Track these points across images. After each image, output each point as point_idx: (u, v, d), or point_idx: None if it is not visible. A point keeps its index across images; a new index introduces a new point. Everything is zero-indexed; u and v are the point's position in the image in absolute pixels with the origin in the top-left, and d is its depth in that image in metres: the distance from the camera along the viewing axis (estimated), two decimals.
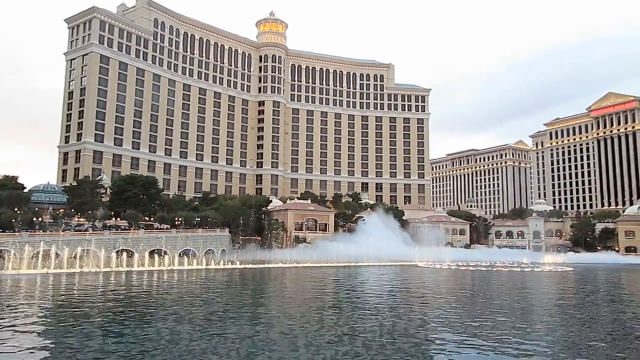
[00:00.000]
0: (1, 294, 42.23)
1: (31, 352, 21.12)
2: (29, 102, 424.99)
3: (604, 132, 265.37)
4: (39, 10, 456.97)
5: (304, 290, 52.43)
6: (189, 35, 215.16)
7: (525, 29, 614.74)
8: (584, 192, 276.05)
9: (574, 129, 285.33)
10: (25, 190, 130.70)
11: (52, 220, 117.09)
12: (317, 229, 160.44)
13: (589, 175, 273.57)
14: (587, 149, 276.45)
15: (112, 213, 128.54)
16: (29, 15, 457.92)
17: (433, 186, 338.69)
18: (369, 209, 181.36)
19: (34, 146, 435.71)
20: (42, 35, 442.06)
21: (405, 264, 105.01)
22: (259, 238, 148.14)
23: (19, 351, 21.18)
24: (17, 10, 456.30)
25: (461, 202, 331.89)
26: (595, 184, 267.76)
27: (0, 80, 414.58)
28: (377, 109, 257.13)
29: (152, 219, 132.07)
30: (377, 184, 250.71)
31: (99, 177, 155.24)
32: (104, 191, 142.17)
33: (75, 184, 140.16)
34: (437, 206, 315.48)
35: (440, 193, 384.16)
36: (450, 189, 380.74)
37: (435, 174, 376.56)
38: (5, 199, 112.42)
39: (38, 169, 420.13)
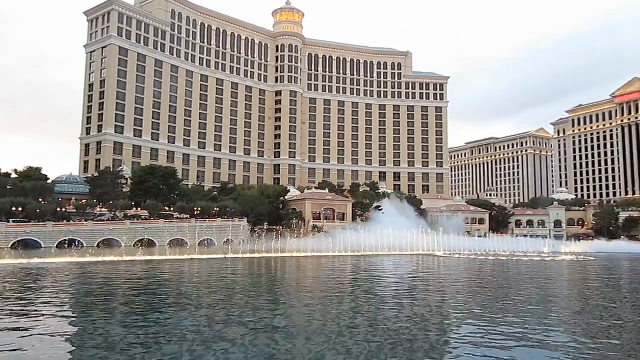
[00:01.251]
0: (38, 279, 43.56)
1: (63, 337, 21.76)
2: (52, 96, 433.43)
3: (629, 119, 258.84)
4: (59, 4, 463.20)
5: (322, 279, 52.72)
6: (206, 26, 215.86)
7: (547, 12, 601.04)
8: (607, 180, 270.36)
9: (597, 115, 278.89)
10: (49, 181, 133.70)
11: (75, 211, 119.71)
12: (335, 219, 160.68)
13: (613, 163, 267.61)
14: (611, 136, 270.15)
15: (133, 203, 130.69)
16: (50, 9, 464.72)
17: (452, 175, 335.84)
18: (387, 197, 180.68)
19: (57, 138, 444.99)
20: (62, 28, 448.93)
21: (422, 254, 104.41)
22: (278, 228, 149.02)
23: (50, 336, 21.81)
24: (38, 4, 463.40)
25: (480, 191, 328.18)
26: (619, 171, 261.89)
27: (24, 75, 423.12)
28: (394, 97, 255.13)
29: (172, 209, 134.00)
30: (395, 173, 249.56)
31: (120, 168, 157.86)
32: (124, 182, 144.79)
33: (97, 174, 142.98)
34: (455, 195, 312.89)
35: (459, 182, 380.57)
36: (469, 178, 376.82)
37: (454, 163, 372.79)
38: (30, 189, 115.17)
39: (61, 161, 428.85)
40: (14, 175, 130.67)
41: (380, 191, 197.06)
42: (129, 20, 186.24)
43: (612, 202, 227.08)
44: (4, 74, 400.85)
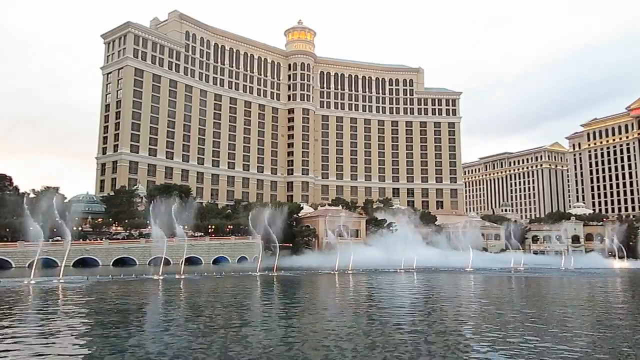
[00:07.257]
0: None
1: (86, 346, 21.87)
2: (69, 116, 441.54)
3: None
4: (76, 28, 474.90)
5: (336, 297, 52.29)
6: (220, 46, 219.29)
7: (561, 27, 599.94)
8: (625, 194, 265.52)
9: (613, 129, 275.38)
10: (66, 201, 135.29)
11: (92, 229, 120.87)
12: (349, 236, 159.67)
13: (631, 177, 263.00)
14: (628, 149, 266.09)
15: (148, 222, 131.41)
16: (67, 32, 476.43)
17: (466, 190, 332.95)
18: (395, 211, 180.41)
19: (74, 158, 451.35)
20: (80, 51, 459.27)
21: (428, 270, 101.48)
22: (291, 245, 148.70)
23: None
24: (56, 28, 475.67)
25: (495, 207, 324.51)
26: (637, 185, 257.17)
27: (42, 96, 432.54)
28: (407, 113, 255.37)
29: (186, 227, 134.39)
30: (408, 189, 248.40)
31: (135, 186, 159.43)
32: (139, 200, 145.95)
33: (113, 193, 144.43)
34: (470, 211, 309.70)
35: (473, 197, 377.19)
36: (483, 194, 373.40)
37: (468, 178, 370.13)
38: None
39: (78, 180, 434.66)
40: (32, 195, 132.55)
41: (393, 207, 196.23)
42: (145, 42, 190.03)
43: (631, 216, 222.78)
44: (24, 95, 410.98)
